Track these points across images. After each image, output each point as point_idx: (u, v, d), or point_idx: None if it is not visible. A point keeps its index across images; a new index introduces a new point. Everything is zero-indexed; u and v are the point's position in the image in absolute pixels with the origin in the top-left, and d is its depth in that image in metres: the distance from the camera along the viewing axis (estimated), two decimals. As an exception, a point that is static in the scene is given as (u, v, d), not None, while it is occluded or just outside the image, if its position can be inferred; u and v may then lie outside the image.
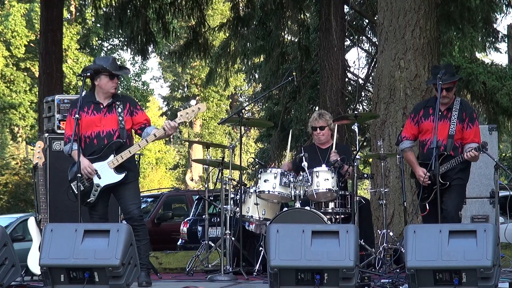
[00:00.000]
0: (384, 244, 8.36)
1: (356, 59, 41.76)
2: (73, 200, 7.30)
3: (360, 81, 18.55)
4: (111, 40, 34.89)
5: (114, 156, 7.24)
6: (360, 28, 19.38)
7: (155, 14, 16.52)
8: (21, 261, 7.05)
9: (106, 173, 7.24)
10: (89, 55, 32.87)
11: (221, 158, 9.07)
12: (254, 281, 7.86)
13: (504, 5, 17.94)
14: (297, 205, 8.30)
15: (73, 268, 6.25)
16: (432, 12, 10.47)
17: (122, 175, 7.25)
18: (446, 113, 7.53)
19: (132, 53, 24.44)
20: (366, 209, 8.78)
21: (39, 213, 8.24)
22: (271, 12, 16.67)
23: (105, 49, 34.98)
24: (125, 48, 31.27)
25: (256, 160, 10.82)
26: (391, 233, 8.84)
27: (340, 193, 8.36)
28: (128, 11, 16.22)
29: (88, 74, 7.31)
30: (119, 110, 7.31)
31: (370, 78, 18.50)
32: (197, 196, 15.49)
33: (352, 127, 8.56)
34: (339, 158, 8.46)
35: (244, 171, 18.14)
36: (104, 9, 16.58)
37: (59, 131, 8.99)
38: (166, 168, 41.70)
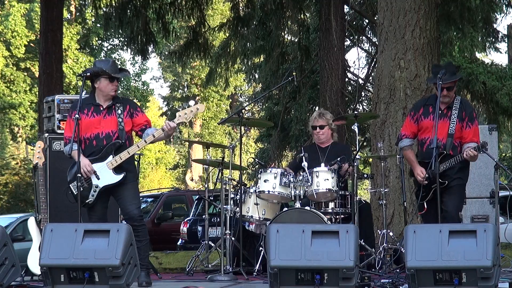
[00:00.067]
0: (384, 244, 8.36)
1: (356, 59, 41.82)
2: (72, 201, 7.32)
3: (360, 81, 18.55)
4: (111, 40, 34.92)
5: (113, 157, 7.25)
6: (360, 28, 19.38)
7: (155, 14, 16.52)
8: (21, 261, 7.05)
9: (104, 174, 7.24)
10: (89, 55, 32.88)
11: (221, 158, 9.07)
12: (254, 281, 7.86)
13: (504, 5, 17.93)
14: (297, 205, 8.30)
15: (73, 268, 6.25)
16: (432, 12, 10.47)
17: (121, 176, 7.25)
18: (446, 111, 7.51)
19: (132, 53, 24.46)
20: (366, 210, 8.79)
21: (39, 213, 8.24)
22: (271, 12, 16.67)
23: (105, 49, 35.01)
24: (125, 48, 31.29)
25: (256, 160, 10.81)
26: (391, 233, 8.84)
27: (340, 193, 8.36)
28: (128, 11, 16.22)
29: (88, 74, 7.32)
30: (119, 112, 7.33)
31: (370, 78, 18.50)
32: (197, 196, 15.49)
33: (352, 127, 8.54)
34: (338, 159, 8.46)
35: (244, 171, 18.13)
36: (104, 9, 16.59)
37: (59, 131, 8.99)
38: (166, 168, 41.70)
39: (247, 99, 38.81)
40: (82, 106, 7.27)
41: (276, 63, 18.36)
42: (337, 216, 8.38)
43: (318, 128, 8.94)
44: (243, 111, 8.87)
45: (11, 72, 31.64)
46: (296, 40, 19.28)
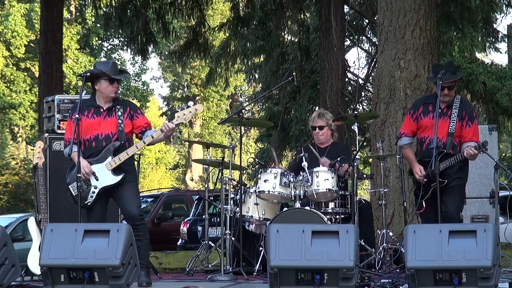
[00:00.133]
0: (384, 244, 8.35)
1: (356, 59, 41.85)
2: (72, 203, 7.33)
3: (360, 81, 18.55)
4: (111, 40, 34.92)
5: (112, 158, 7.25)
6: (360, 28, 19.38)
7: (155, 14, 16.52)
8: (21, 261, 7.05)
9: (103, 175, 7.25)
10: (89, 55, 32.88)
11: (221, 158, 9.07)
12: (254, 281, 7.86)
13: (504, 5, 17.93)
14: (297, 205, 8.30)
15: (73, 268, 6.25)
16: (432, 12, 10.47)
17: (120, 177, 7.26)
18: (446, 110, 7.49)
19: (132, 53, 24.46)
20: (366, 210, 8.78)
21: (39, 213, 8.24)
22: (271, 12, 16.67)
23: (105, 49, 35.01)
24: (125, 48, 31.28)
25: (256, 160, 10.81)
26: (391, 233, 8.83)
27: (340, 193, 8.36)
28: (128, 11, 16.22)
29: (88, 74, 7.33)
30: (119, 113, 7.34)
31: (370, 78, 18.51)
32: (197, 196, 15.49)
33: (352, 127, 8.54)
34: (338, 159, 8.45)
35: (244, 171, 18.13)
36: (104, 9, 16.58)
37: (59, 131, 8.99)
38: (166, 168, 41.71)
39: (247, 99, 38.82)
40: (82, 107, 7.29)
41: (276, 63, 18.36)
42: (337, 216, 8.38)
43: (317, 128, 8.94)
44: (243, 111, 8.86)
45: (11, 72, 31.64)
46: (296, 40, 19.28)
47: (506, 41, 19.88)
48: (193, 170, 40.97)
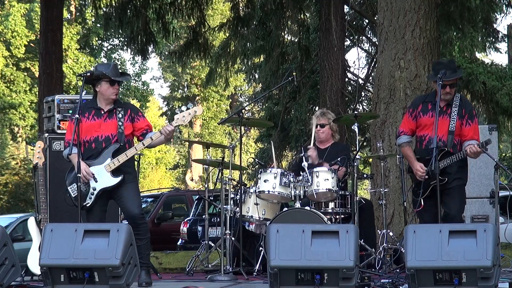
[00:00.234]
0: (384, 244, 8.35)
1: (356, 59, 41.79)
2: (71, 205, 7.33)
3: (360, 81, 18.55)
4: (111, 40, 34.91)
5: (111, 160, 7.25)
6: (360, 28, 19.38)
7: (155, 14, 16.52)
8: (21, 261, 7.05)
9: (102, 177, 7.25)
10: (89, 55, 32.88)
11: (221, 158, 9.07)
12: (254, 281, 7.86)
13: (504, 5, 17.94)
14: (297, 205, 8.29)
15: (73, 268, 6.25)
16: (432, 12, 10.47)
17: (119, 179, 7.26)
18: (446, 109, 7.46)
19: (132, 53, 24.45)
20: (367, 210, 8.77)
21: (39, 213, 8.24)
22: (271, 12, 16.67)
23: (105, 49, 35.01)
24: (125, 48, 31.28)
25: (256, 160, 10.82)
26: (391, 233, 8.83)
27: (340, 193, 8.36)
28: (128, 11, 16.22)
29: (88, 74, 7.33)
30: (120, 116, 7.35)
31: (370, 78, 18.51)
32: (197, 196, 15.49)
33: (352, 127, 8.54)
34: (338, 159, 8.46)
35: (244, 171, 18.14)
36: (104, 9, 16.58)
37: (59, 131, 9.00)
38: (166, 168, 41.70)
39: (247, 99, 38.81)
40: (83, 109, 7.31)
41: (276, 63, 18.36)
42: (337, 216, 8.38)
43: (319, 126, 8.96)
44: (243, 111, 8.87)
45: (11, 72, 31.64)
46: (296, 40, 19.28)
47: (506, 41, 19.88)
48: (193, 170, 40.97)
